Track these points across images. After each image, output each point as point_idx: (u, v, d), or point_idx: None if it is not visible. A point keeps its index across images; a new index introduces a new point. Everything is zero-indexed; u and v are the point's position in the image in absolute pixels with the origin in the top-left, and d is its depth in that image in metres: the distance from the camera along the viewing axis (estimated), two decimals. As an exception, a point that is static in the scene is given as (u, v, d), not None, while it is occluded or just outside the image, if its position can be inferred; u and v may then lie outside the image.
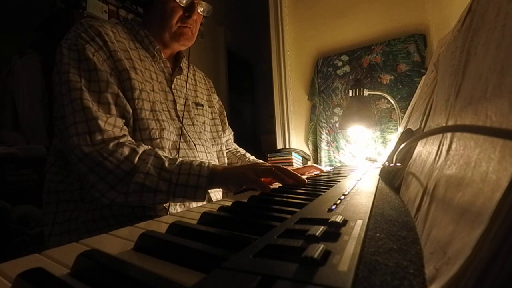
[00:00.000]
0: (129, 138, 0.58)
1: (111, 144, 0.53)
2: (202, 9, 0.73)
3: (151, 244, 0.22)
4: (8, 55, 1.64)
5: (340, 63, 1.53)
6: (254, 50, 3.31)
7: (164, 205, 0.61)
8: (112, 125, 0.56)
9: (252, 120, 3.52)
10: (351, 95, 1.17)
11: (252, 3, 2.24)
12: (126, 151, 0.54)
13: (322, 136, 1.58)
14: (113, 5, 1.70)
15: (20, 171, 1.32)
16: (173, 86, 0.75)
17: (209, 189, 0.55)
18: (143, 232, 0.24)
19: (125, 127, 0.59)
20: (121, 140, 0.55)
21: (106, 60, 0.59)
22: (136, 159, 0.53)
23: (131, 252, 0.22)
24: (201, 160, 0.57)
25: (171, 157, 0.58)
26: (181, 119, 0.73)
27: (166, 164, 0.54)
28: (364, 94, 1.15)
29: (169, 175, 0.53)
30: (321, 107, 1.59)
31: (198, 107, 0.83)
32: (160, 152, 0.57)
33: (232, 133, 1.02)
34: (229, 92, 2.63)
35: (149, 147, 0.59)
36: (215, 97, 0.97)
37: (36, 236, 0.83)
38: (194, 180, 0.53)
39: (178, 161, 0.55)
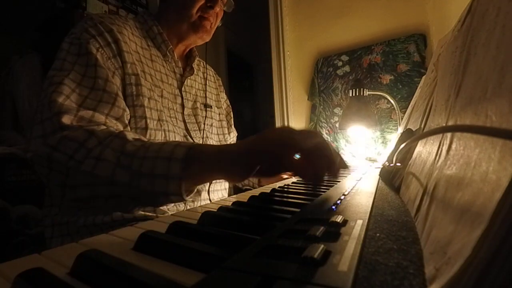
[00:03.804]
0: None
1: (65, 132, 0.43)
2: (224, 3, 0.71)
3: (151, 244, 0.22)
4: (8, 55, 1.64)
5: (340, 63, 1.53)
6: (254, 50, 3.31)
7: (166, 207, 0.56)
8: (86, 119, 0.47)
9: (252, 120, 3.52)
10: (351, 95, 1.17)
11: (252, 3, 2.24)
12: (81, 135, 0.42)
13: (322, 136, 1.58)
14: (113, 5, 1.70)
15: (20, 171, 1.31)
16: (183, 88, 0.73)
17: (191, 180, 0.38)
18: (143, 232, 0.24)
19: (109, 123, 0.50)
20: (88, 125, 0.46)
21: (112, 58, 0.56)
22: (94, 142, 0.42)
23: (131, 252, 0.22)
24: (185, 141, 0.46)
25: (146, 139, 0.45)
26: (187, 125, 0.71)
27: (129, 145, 0.41)
28: (364, 94, 1.15)
29: (129, 160, 0.39)
30: (321, 107, 1.59)
31: (207, 108, 0.80)
32: (129, 134, 0.44)
33: (236, 135, 0.99)
34: (229, 92, 2.63)
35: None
36: (223, 96, 0.94)
37: (36, 236, 0.83)
38: (163, 166, 0.37)
39: (148, 142, 0.42)
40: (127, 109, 0.55)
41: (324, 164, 0.35)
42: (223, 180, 0.79)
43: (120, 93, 0.55)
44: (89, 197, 0.42)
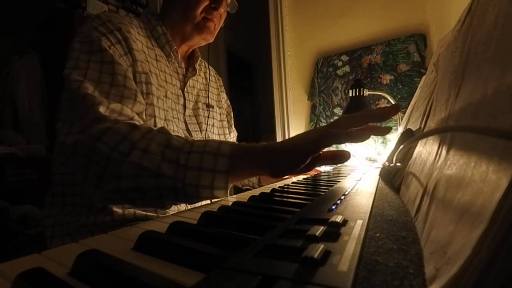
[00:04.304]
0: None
1: (106, 124, 0.44)
2: (227, 4, 0.71)
3: (151, 244, 0.22)
4: (8, 55, 1.64)
5: (340, 63, 1.53)
6: (254, 50, 3.31)
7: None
8: (117, 112, 0.48)
9: (252, 120, 3.52)
10: (351, 95, 1.17)
11: (252, 3, 2.24)
12: (124, 127, 0.44)
13: (322, 136, 1.58)
14: (113, 5, 1.70)
15: (20, 171, 1.31)
16: (185, 89, 0.74)
17: (235, 176, 0.41)
18: (143, 232, 0.24)
19: (136, 118, 0.51)
20: (121, 118, 0.47)
21: (123, 56, 0.56)
22: (138, 135, 0.43)
23: (131, 252, 0.22)
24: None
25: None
26: (188, 126, 0.71)
27: (174, 140, 0.43)
28: (364, 94, 1.15)
29: (176, 154, 0.41)
30: (321, 107, 1.59)
31: (209, 108, 0.81)
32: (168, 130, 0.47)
33: (236, 135, 0.99)
34: (229, 92, 2.63)
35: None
36: (224, 97, 0.95)
37: (36, 236, 0.83)
38: (210, 161, 0.39)
39: (190, 139, 0.44)
40: (145, 105, 0.56)
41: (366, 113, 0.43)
42: None
43: (138, 89, 0.55)
44: (133, 188, 0.42)
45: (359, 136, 0.40)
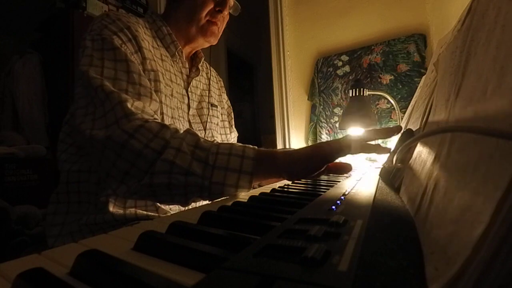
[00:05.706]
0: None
1: (137, 121, 0.46)
2: (230, 6, 0.72)
3: (151, 244, 0.22)
4: (8, 55, 1.64)
5: (340, 63, 1.53)
6: (254, 50, 3.31)
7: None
8: (140, 109, 0.49)
9: (252, 120, 3.52)
10: (351, 95, 1.17)
11: (252, 3, 2.24)
12: (154, 126, 0.46)
13: (322, 136, 1.58)
14: (113, 5, 1.70)
15: (20, 171, 1.32)
16: (189, 89, 0.74)
17: (257, 177, 0.45)
18: (143, 232, 0.24)
19: (155, 116, 0.52)
20: (146, 117, 0.48)
21: (134, 54, 0.56)
22: (168, 134, 0.46)
23: (131, 252, 0.22)
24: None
25: None
26: (191, 125, 0.72)
27: (202, 141, 0.46)
28: (364, 94, 1.15)
29: (205, 154, 0.44)
30: (321, 107, 1.59)
31: (213, 107, 0.82)
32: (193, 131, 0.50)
33: (237, 135, 1.00)
34: (229, 92, 2.63)
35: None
36: (224, 97, 0.96)
37: (36, 236, 0.83)
38: (237, 162, 0.44)
39: (215, 141, 0.48)
40: (158, 103, 0.57)
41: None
42: None
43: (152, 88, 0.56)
44: (164, 184, 0.44)
45: (367, 150, 0.48)
